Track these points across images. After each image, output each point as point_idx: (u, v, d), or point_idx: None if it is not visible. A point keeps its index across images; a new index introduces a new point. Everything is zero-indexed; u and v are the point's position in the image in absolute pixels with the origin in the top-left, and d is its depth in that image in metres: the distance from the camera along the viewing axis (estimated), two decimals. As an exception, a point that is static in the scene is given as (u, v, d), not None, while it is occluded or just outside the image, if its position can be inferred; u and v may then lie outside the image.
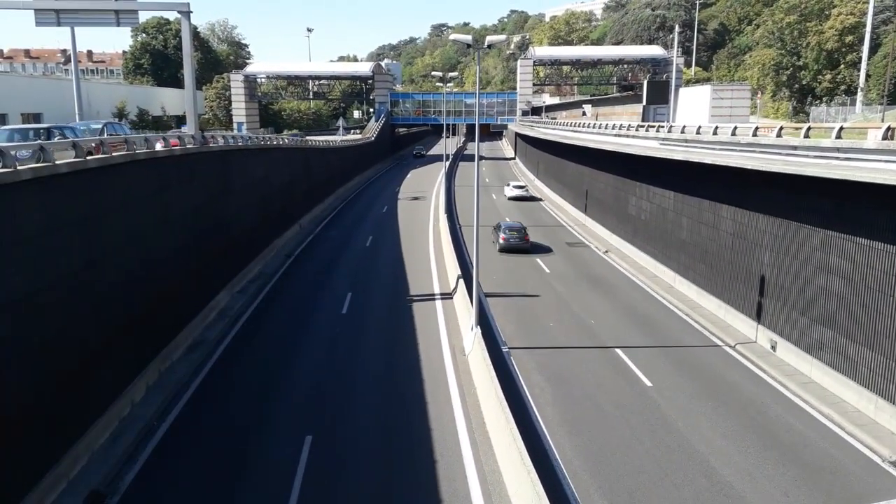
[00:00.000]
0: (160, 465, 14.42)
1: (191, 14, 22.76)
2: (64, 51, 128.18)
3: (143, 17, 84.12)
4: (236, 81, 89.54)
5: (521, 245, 35.64)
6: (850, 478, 13.68)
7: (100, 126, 22.69)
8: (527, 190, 58.14)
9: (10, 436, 11.70)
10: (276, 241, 35.92)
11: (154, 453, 14.85)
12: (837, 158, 17.10)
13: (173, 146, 21.13)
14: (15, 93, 55.19)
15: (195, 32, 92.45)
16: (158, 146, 20.15)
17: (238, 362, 20.24)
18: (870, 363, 16.08)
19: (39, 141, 15.61)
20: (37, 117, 54.09)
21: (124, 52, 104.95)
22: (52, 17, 22.85)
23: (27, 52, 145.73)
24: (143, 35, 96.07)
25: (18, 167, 12.38)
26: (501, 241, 35.50)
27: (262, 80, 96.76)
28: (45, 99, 57.14)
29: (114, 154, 16.63)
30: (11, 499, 11.56)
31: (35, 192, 12.89)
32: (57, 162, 13.65)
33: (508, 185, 58.42)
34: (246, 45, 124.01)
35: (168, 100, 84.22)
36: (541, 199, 56.48)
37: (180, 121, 72.31)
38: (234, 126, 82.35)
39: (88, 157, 15.28)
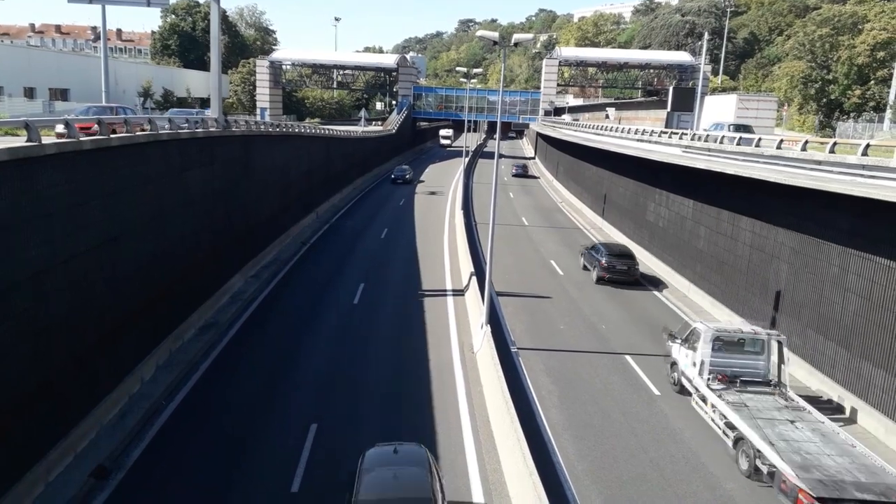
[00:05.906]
0: (165, 443, 14.58)
1: (220, -2, 22.97)
2: (94, 28, 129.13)
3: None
4: (262, 67, 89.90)
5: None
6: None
7: None
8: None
9: (21, 406, 11.88)
10: (293, 228, 36.10)
11: (160, 431, 15.02)
12: (862, 175, 16.91)
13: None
14: (44, 67, 55.73)
15: (223, 16, 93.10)
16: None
17: (248, 346, 20.39)
18: (883, 384, 15.88)
19: None
20: (64, 93, 54.71)
21: (153, 32, 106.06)
22: (85, -5, 23.11)
23: (58, 28, 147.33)
24: (173, 16, 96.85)
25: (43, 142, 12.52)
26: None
27: (287, 66, 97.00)
28: (72, 75, 57.71)
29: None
30: (19, 467, 11.74)
31: (57, 166, 13.03)
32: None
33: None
34: (273, 32, 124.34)
35: (193, 82, 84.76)
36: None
37: (204, 103, 72.74)
38: (258, 111, 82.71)
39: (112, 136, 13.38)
